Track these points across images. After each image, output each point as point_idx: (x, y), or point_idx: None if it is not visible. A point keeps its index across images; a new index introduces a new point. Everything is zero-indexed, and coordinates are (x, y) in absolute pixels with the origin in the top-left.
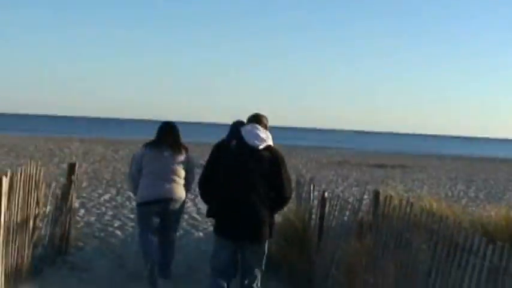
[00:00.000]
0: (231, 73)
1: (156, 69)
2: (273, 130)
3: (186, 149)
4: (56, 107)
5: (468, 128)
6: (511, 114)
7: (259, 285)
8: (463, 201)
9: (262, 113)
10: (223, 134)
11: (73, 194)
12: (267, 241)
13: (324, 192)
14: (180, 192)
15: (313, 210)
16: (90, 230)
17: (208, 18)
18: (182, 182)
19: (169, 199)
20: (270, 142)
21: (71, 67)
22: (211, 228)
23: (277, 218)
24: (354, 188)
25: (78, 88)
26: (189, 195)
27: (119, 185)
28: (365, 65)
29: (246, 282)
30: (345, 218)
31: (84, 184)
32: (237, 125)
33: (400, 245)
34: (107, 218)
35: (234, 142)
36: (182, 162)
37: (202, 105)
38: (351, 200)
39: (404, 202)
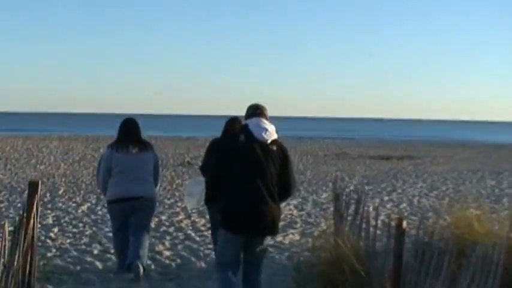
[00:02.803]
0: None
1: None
2: None
3: (151, 145)
4: (37, 103)
5: (462, 112)
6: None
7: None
8: (505, 202)
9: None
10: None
11: (36, 221)
12: (273, 236)
13: (400, 220)
14: (150, 189)
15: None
16: (63, 261)
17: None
18: (151, 179)
19: (139, 197)
20: (276, 135)
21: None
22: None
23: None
24: (371, 188)
25: (61, 82)
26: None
27: (99, 190)
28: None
29: (252, 277)
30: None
31: (62, 190)
32: (234, 122)
33: None
34: (84, 240)
35: (242, 137)
36: (150, 159)
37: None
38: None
39: None
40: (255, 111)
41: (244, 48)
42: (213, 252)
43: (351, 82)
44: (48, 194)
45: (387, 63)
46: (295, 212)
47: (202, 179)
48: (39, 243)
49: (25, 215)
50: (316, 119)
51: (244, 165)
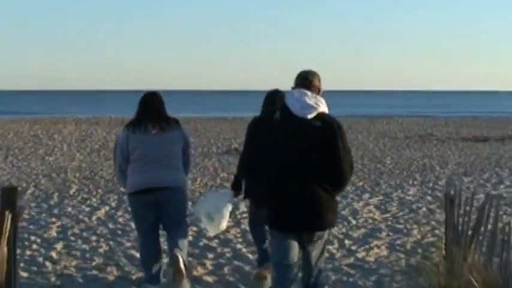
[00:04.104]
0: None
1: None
2: None
3: (178, 123)
4: (48, 79)
5: None
6: None
7: (323, 280)
8: None
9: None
10: None
11: (12, 246)
12: (329, 231)
13: None
14: (179, 177)
15: None
16: None
17: None
18: (180, 164)
19: (166, 187)
20: (323, 109)
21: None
22: None
23: None
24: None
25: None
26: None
27: (122, 189)
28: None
29: (312, 280)
30: None
31: (74, 189)
32: (273, 96)
33: None
34: (96, 262)
35: (277, 114)
36: (176, 140)
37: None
38: None
39: None
40: (303, 81)
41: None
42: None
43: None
44: (55, 195)
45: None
46: (377, 215)
47: (228, 191)
48: (34, 268)
49: None
50: (389, 93)
51: (280, 149)
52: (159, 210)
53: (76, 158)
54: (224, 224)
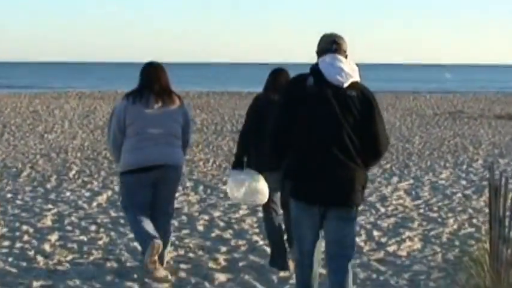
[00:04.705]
0: None
1: None
2: None
3: (180, 99)
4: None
5: None
6: None
7: (350, 277)
8: None
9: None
10: None
11: None
12: (357, 209)
13: None
14: (178, 156)
15: None
16: None
17: None
18: (179, 142)
19: (163, 165)
20: (357, 77)
21: None
22: None
23: None
24: None
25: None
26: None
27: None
28: None
29: (338, 276)
30: None
31: (74, 171)
32: (279, 74)
33: None
34: (95, 256)
35: (310, 81)
36: (178, 117)
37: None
38: None
39: None
40: (330, 45)
41: None
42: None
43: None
44: (53, 178)
45: None
46: (408, 201)
47: (243, 177)
48: (23, 264)
49: None
50: (416, 67)
51: (313, 118)
52: (153, 187)
53: (78, 136)
54: (261, 185)
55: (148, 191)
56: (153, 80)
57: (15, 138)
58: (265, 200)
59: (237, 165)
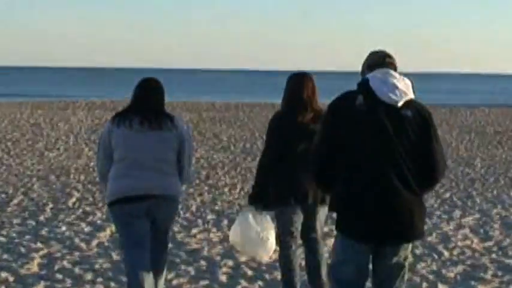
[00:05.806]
0: None
1: None
2: None
3: (174, 121)
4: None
5: None
6: None
7: None
8: None
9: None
10: None
11: None
12: (412, 244)
13: None
14: (172, 186)
15: None
16: None
17: None
18: (173, 170)
19: (155, 196)
20: (411, 94)
21: None
22: None
23: None
24: None
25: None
26: None
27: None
28: None
29: None
30: None
31: (75, 198)
32: (302, 79)
33: None
34: None
35: (360, 99)
36: (169, 141)
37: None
38: None
39: None
40: (382, 59)
41: None
42: None
43: None
44: (48, 207)
45: None
46: (475, 243)
47: (254, 223)
48: None
49: None
50: (472, 76)
51: (364, 141)
52: (146, 223)
53: (83, 154)
54: (272, 240)
55: (144, 223)
56: (142, 99)
57: (10, 156)
58: (267, 258)
59: (255, 201)
